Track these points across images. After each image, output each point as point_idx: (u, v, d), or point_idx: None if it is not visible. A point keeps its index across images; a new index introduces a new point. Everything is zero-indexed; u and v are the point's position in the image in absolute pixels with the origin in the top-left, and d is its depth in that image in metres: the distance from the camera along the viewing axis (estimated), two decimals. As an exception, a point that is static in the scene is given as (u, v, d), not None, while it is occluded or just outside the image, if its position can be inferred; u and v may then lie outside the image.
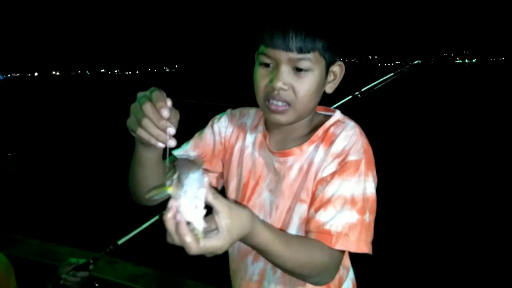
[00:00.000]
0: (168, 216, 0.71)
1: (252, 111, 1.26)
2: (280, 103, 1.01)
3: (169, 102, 0.79)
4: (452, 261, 3.19)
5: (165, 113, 0.77)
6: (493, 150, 6.40)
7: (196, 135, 1.27)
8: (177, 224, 0.70)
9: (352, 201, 0.97)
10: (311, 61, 0.98)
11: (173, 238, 0.72)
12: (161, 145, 0.81)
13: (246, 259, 1.18)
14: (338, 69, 1.07)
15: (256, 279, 1.16)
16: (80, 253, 3.01)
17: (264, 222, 0.85)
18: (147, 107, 0.77)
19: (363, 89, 2.28)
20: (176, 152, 1.22)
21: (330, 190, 0.99)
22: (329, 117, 1.13)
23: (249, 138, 1.20)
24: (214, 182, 1.27)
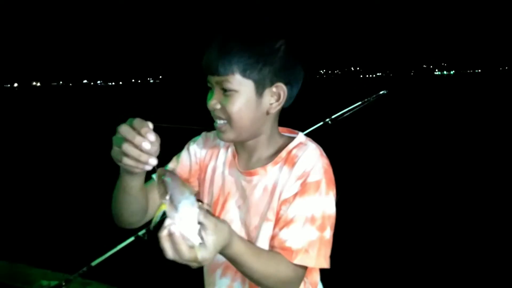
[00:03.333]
0: (164, 234, 0.78)
1: None
2: (219, 121, 1.11)
3: (150, 125, 0.84)
4: (446, 270, 3.26)
5: (152, 136, 0.82)
6: (477, 160, 6.57)
7: (174, 158, 1.34)
8: (172, 236, 0.77)
9: (312, 219, 1.05)
10: (232, 83, 1.06)
11: (168, 251, 0.78)
12: (148, 167, 0.86)
13: (215, 273, 1.25)
14: (278, 90, 1.12)
15: None
16: (51, 274, 2.94)
17: (238, 236, 0.93)
18: (127, 131, 0.82)
19: (333, 116, 2.40)
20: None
21: (292, 210, 1.07)
22: (293, 139, 1.19)
23: (221, 157, 1.27)
24: None
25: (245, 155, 1.23)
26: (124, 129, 0.82)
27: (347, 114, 2.47)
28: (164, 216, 0.80)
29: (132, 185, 1.01)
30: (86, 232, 3.88)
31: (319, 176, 1.08)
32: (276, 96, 1.13)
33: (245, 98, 1.09)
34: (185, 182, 0.83)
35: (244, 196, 1.19)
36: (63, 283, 2.14)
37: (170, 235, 0.77)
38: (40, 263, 3.14)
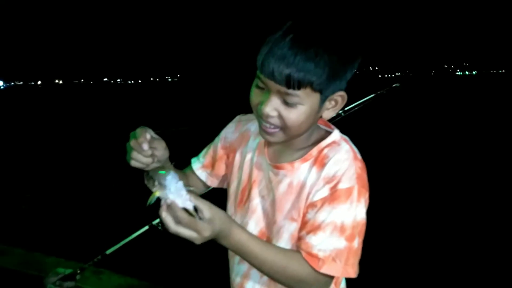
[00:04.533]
0: (162, 209, 0.86)
1: None
2: (268, 125, 1.03)
3: (148, 136, 0.99)
4: (449, 272, 3.23)
5: (145, 146, 0.98)
6: (494, 160, 6.48)
7: (209, 144, 1.39)
8: (169, 207, 0.85)
9: (342, 228, 0.99)
10: (300, 97, 0.97)
11: (170, 223, 0.86)
12: (152, 166, 1.04)
13: (234, 258, 1.25)
14: (339, 98, 1.06)
15: (238, 281, 1.22)
16: (65, 263, 2.97)
17: (239, 225, 0.96)
18: (133, 143, 0.99)
19: (346, 108, 2.38)
20: (195, 159, 1.39)
21: (320, 216, 1.01)
22: (327, 133, 1.13)
23: (251, 143, 1.23)
24: (216, 183, 1.38)
25: (278, 146, 1.16)
26: (132, 142, 0.99)
27: (360, 106, 2.43)
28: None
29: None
30: (101, 221, 3.90)
31: (351, 183, 1.01)
32: (334, 102, 1.07)
33: (309, 111, 1.01)
34: (166, 168, 1.01)
35: (269, 188, 1.15)
36: (78, 271, 2.14)
37: (167, 207, 0.85)
38: (56, 251, 3.17)
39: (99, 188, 5.00)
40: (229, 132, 1.31)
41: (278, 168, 1.13)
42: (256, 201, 1.17)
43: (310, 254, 1.00)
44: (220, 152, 1.31)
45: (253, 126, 1.26)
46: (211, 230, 0.88)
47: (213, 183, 1.37)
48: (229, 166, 1.30)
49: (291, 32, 0.96)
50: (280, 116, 1.00)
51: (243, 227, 0.97)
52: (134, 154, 1.00)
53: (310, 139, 1.13)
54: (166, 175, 0.89)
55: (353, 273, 1.01)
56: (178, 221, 0.85)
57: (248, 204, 1.19)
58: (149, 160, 1.00)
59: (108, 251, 2.36)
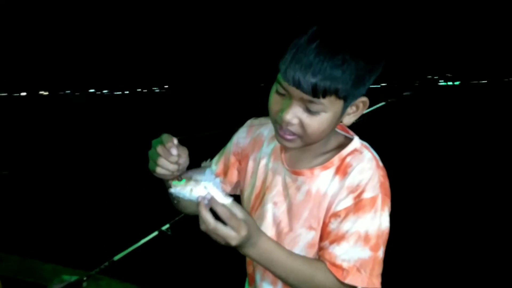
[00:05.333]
0: (201, 206, 0.86)
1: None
2: (288, 133, 0.99)
3: (175, 141, 0.94)
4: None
5: (174, 151, 0.92)
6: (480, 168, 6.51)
7: (222, 151, 1.32)
8: (206, 200, 0.86)
9: (366, 238, 0.97)
10: (324, 105, 0.94)
11: (209, 218, 0.85)
12: (176, 174, 0.97)
13: (256, 273, 1.20)
14: (360, 104, 1.02)
15: None
16: (63, 270, 2.85)
17: (265, 234, 0.96)
18: (160, 149, 0.93)
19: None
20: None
21: (344, 226, 0.99)
22: (347, 140, 1.10)
23: (266, 149, 1.19)
24: (229, 190, 1.29)
25: (295, 151, 1.11)
26: (159, 148, 0.94)
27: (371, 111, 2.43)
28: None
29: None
30: (109, 227, 3.76)
31: (375, 192, 0.99)
32: (355, 108, 1.02)
33: (331, 118, 0.97)
34: (204, 165, 0.97)
35: (284, 194, 1.11)
36: (85, 278, 2.03)
37: (204, 199, 0.86)
38: (61, 258, 3.04)
39: (101, 193, 4.86)
40: (241, 137, 1.25)
41: (296, 174, 1.09)
42: (267, 207, 1.13)
43: (334, 264, 0.97)
44: (232, 158, 1.26)
45: (266, 130, 1.21)
46: (246, 230, 0.87)
47: (226, 190, 1.28)
48: (241, 172, 1.24)
49: (317, 37, 0.92)
50: (301, 124, 0.97)
51: (268, 236, 0.96)
52: (161, 161, 0.94)
53: (328, 145, 1.10)
54: (204, 170, 0.88)
55: (378, 283, 0.98)
56: (216, 218, 0.85)
57: (260, 210, 1.15)
58: (175, 167, 0.94)
59: (116, 257, 2.27)
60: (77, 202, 4.59)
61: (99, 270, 2.23)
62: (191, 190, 0.88)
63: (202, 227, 0.87)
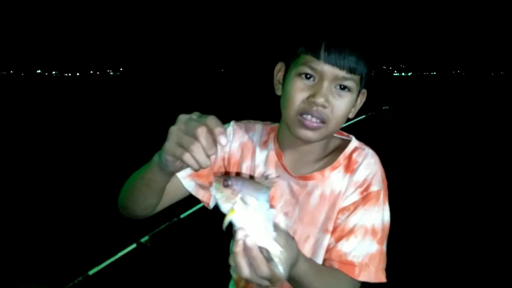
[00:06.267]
0: (239, 249, 0.66)
1: (258, 126, 1.19)
2: (315, 120, 0.96)
3: (226, 129, 0.76)
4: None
5: (224, 140, 0.71)
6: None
7: None
8: (249, 252, 0.66)
9: (373, 232, 0.99)
10: (355, 82, 0.97)
11: (244, 269, 0.67)
12: (202, 168, 0.76)
13: None
14: (361, 96, 1.07)
15: None
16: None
17: (303, 254, 0.83)
18: (203, 132, 0.72)
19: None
20: (181, 172, 1.10)
21: (352, 220, 1.00)
22: (345, 141, 1.11)
23: (259, 155, 1.12)
24: (206, 198, 1.14)
25: (294, 156, 1.09)
26: (201, 130, 0.71)
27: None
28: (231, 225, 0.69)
29: (161, 180, 0.92)
30: (83, 239, 3.58)
31: (380, 186, 1.02)
32: (359, 99, 1.06)
33: (353, 102, 1.01)
34: (263, 182, 0.71)
35: (293, 203, 1.07)
36: (56, 295, 1.88)
37: (246, 249, 0.66)
38: (28, 274, 2.87)
39: (73, 202, 4.65)
40: (227, 141, 1.13)
41: (306, 179, 1.06)
42: (278, 219, 1.07)
43: (345, 262, 0.97)
44: (219, 163, 1.15)
45: (255, 135, 1.15)
46: (286, 274, 0.69)
47: (202, 196, 1.14)
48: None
49: (348, 21, 0.98)
50: (331, 107, 0.97)
51: (303, 255, 0.84)
52: (198, 150, 0.72)
53: (328, 148, 1.10)
54: (260, 193, 0.66)
55: (384, 277, 0.99)
56: (255, 269, 0.67)
57: None
58: (208, 162, 0.74)
59: (91, 272, 2.12)
60: (46, 212, 4.37)
61: (72, 286, 2.07)
62: (232, 210, 0.66)
63: (238, 274, 0.69)
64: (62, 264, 3.03)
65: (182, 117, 0.75)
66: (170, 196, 1.09)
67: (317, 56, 0.94)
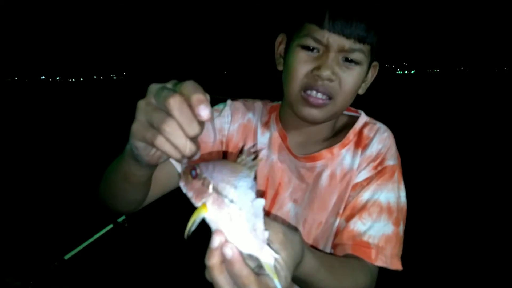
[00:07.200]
0: (214, 261, 0.47)
1: (257, 104, 1.09)
2: (321, 95, 0.87)
3: (208, 97, 0.52)
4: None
5: (205, 112, 0.49)
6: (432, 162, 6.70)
7: None
8: (230, 266, 0.47)
9: (389, 210, 0.89)
10: (364, 54, 0.87)
11: (224, 285, 0.48)
12: (184, 163, 0.53)
13: None
14: (373, 70, 0.97)
15: None
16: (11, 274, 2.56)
17: (310, 248, 0.67)
18: (176, 102, 0.49)
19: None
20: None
21: (365, 195, 0.90)
22: (353, 117, 1.02)
23: (262, 138, 1.02)
24: None
25: (300, 137, 0.99)
26: (173, 101, 0.49)
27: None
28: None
29: (139, 174, 0.71)
30: (57, 222, 3.44)
31: (394, 161, 0.93)
32: (370, 74, 0.96)
33: (363, 74, 0.90)
34: (242, 163, 0.51)
35: (303, 187, 0.96)
36: (31, 282, 1.80)
37: (226, 262, 0.47)
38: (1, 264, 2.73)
39: (46, 183, 4.46)
40: (225, 122, 1.04)
41: (313, 159, 0.95)
42: (287, 208, 0.98)
43: (359, 244, 0.85)
44: (218, 146, 1.03)
45: (256, 116, 1.05)
46: (287, 281, 0.53)
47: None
48: None
49: None
50: (338, 80, 0.87)
51: (312, 249, 0.68)
52: (173, 129, 0.50)
53: (335, 127, 1.01)
54: (240, 178, 0.48)
55: (399, 265, 0.86)
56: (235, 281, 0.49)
57: (275, 212, 0.98)
58: (193, 148, 0.52)
59: (67, 256, 2.04)
60: (17, 195, 4.21)
61: (47, 273, 1.99)
62: (203, 206, 0.48)
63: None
64: (35, 250, 2.90)
65: (153, 87, 0.55)
66: (161, 186, 0.92)
67: (321, 25, 0.84)
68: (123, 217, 2.23)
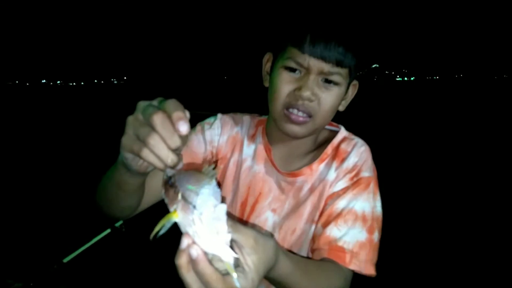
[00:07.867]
0: (182, 261, 0.53)
1: (246, 118, 1.16)
2: (301, 114, 0.94)
3: (187, 114, 0.59)
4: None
5: (184, 127, 0.56)
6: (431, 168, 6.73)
7: None
8: (195, 265, 0.53)
9: (363, 218, 0.94)
10: (342, 76, 0.93)
11: (194, 285, 0.54)
12: (169, 171, 0.61)
13: None
14: (353, 88, 1.03)
15: None
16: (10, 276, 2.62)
17: (284, 251, 0.72)
18: (159, 118, 0.57)
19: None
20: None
21: (341, 203, 0.95)
22: (333, 132, 1.08)
23: (247, 150, 1.09)
24: None
25: (283, 150, 1.06)
26: (156, 117, 0.57)
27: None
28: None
29: (131, 182, 0.78)
30: (56, 226, 3.49)
31: (370, 173, 0.99)
32: (350, 92, 1.02)
33: (342, 94, 0.96)
34: (206, 172, 0.59)
35: (282, 199, 1.03)
36: (31, 284, 1.86)
37: (192, 261, 0.53)
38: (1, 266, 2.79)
39: (45, 188, 4.51)
40: (215, 134, 1.11)
41: (295, 175, 1.03)
42: (265, 216, 1.04)
43: (334, 248, 0.90)
44: (209, 157, 1.10)
45: (243, 129, 1.12)
46: (254, 283, 0.57)
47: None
48: (218, 177, 1.11)
49: (334, 14, 0.95)
50: (317, 100, 0.94)
51: (286, 253, 0.73)
52: (156, 142, 0.58)
53: (317, 141, 1.08)
54: (203, 185, 0.53)
55: (373, 270, 0.91)
56: (206, 286, 0.54)
57: (254, 220, 1.05)
58: (175, 159, 0.59)
59: (66, 259, 2.10)
60: (18, 199, 4.26)
61: (46, 275, 2.05)
62: (174, 211, 0.54)
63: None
64: (35, 253, 2.96)
65: (141, 104, 0.62)
66: (154, 193, 0.98)
67: (302, 49, 0.91)
68: (120, 222, 2.30)
